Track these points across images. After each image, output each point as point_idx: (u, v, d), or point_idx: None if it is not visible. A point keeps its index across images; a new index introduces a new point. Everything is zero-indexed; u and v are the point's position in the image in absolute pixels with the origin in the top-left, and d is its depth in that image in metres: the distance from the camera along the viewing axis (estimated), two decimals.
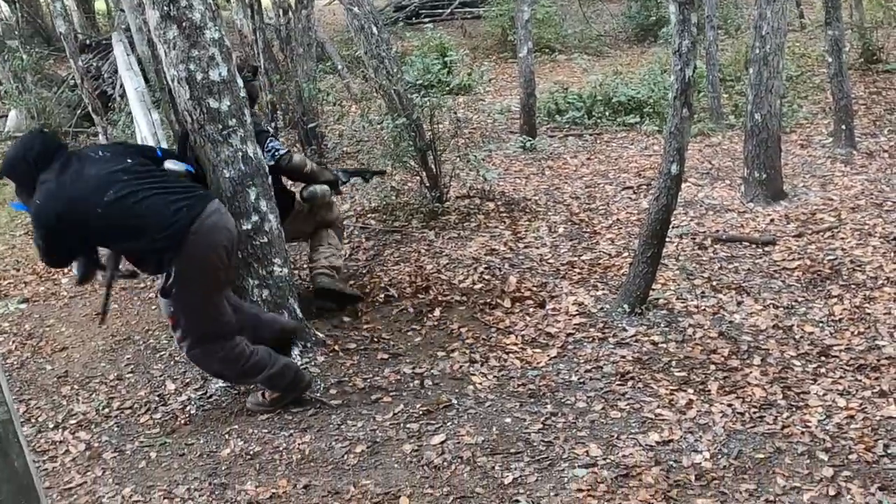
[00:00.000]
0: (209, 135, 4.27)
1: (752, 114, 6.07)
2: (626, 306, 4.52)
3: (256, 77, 5.04)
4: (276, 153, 4.70)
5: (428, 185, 6.36)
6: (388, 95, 6.27)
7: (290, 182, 5.10)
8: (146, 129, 4.56)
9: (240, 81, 4.36)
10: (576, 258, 5.37)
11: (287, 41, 8.50)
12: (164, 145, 4.50)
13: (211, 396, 4.11)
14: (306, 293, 4.98)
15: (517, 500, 3.12)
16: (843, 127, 7.17)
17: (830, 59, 7.11)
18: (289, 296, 4.43)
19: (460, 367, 4.16)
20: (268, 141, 4.68)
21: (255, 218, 4.32)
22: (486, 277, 5.16)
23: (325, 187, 4.97)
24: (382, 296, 5.05)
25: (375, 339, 4.53)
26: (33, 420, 4.08)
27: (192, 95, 4.24)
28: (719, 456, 3.30)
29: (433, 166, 6.30)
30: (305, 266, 5.63)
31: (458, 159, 6.47)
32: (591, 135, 8.52)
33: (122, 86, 7.62)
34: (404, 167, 6.36)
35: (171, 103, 4.68)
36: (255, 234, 4.33)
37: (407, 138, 6.15)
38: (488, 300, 4.84)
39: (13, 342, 4.93)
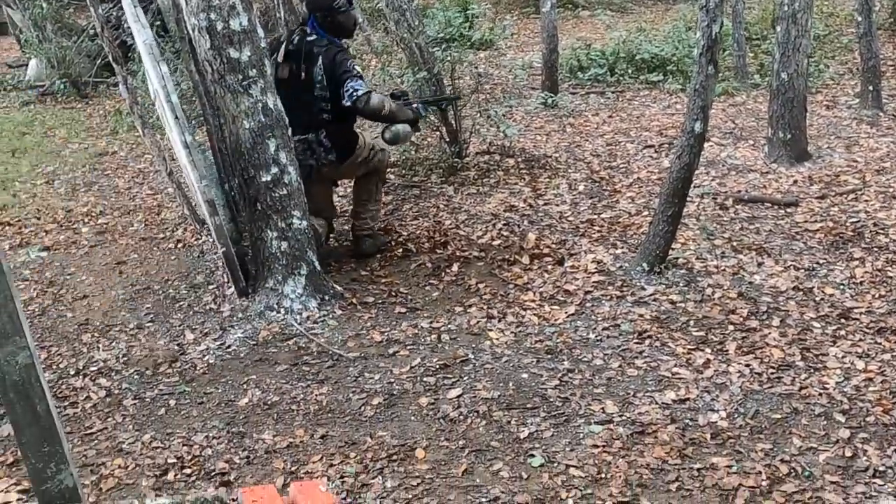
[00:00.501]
0: (229, 85, 4.25)
1: (778, 73, 5.97)
2: (645, 265, 4.50)
3: (352, 5, 4.85)
4: (354, 94, 4.53)
5: (448, 140, 6.32)
6: (409, 49, 6.21)
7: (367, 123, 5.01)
8: (156, 81, 4.54)
9: (260, 32, 4.32)
10: (595, 216, 5.34)
11: None
12: (175, 98, 4.47)
13: (229, 347, 4.14)
14: (327, 247, 4.99)
15: (532, 455, 3.13)
16: (871, 88, 7.06)
17: (860, 19, 6.98)
18: (307, 248, 4.44)
19: (478, 322, 4.16)
20: (347, 81, 4.54)
21: (274, 170, 4.31)
22: (505, 234, 5.14)
23: (407, 127, 4.88)
24: (401, 250, 5.05)
25: (393, 294, 4.54)
26: (54, 367, 4.13)
27: (212, 45, 4.22)
28: (735, 415, 3.30)
29: (453, 121, 6.26)
30: (339, 216, 5.62)
31: (478, 115, 6.42)
32: (613, 92, 8.43)
33: None
34: (424, 122, 6.31)
35: (190, 53, 4.65)
36: (275, 185, 4.32)
37: (427, 92, 6.10)
38: (507, 256, 4.83)
39: (34, 289, 4.97)
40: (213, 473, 3.19)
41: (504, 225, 5.26)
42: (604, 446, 3.16)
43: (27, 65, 11.05)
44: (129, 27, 9.90)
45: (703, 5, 4.15)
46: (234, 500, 2.64)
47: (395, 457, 3.19)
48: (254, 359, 4.02)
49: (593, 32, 11.10)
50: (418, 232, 5.28)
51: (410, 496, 2.98)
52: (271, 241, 4.39)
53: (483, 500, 2.95)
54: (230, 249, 4.34)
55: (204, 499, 2.50)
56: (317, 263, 4.48)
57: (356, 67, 4.64)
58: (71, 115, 9.30)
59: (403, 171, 6.38)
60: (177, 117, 4.25)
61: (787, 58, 5.91)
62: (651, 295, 4.29)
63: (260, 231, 4.41)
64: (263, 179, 4.31)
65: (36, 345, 4.26)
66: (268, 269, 4.42)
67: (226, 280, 4.66)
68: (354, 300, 4.47)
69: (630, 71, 8.86)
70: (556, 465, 3.08)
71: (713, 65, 4.22)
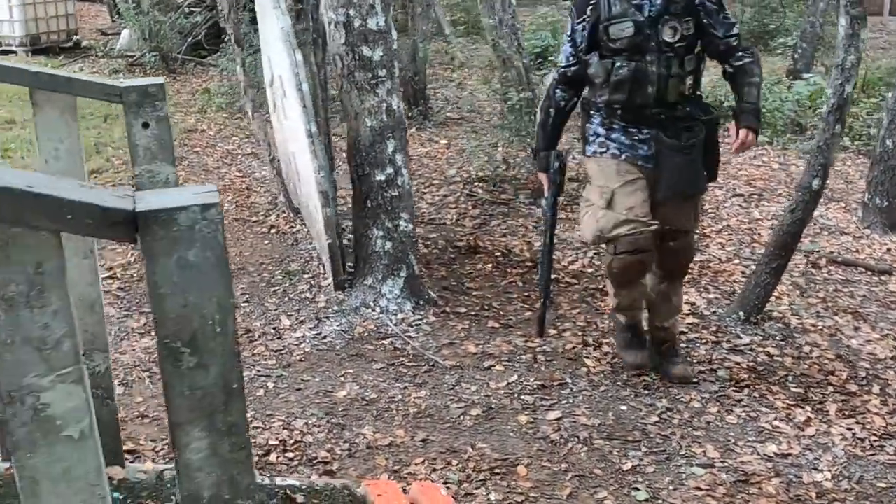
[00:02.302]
0: (357, 82, 4.31)
1: (883, 139, 5.92)
2: (741, 313, 4.47)
3: None
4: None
5: None
6: (516, 69, 6.24)
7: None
8: (289, 69, 4.60)
9: (394, 33, 4.38)
10: None
11: None
12: (306, 87, 4.54)
13: (325, 337, 4.18)
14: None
15: (637, 488, 3.12)
16: None
17: None
18: (410, 251, 4.48)
19: (573, 347, 4.16)
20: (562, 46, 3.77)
21: (389, 170, 4.36)
22: (597, 263, 5.14)
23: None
24: (490, 265, 5.07)
25: (485, 307, 4.55)
26: (150, 335, 4.19)
27: (346, 41, 4.28)
28: (840, 478, 3.26)
29: None
30: (427, 223, 5.66)
31: (575, 139, 6.43)
32: None
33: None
34: (520, 141, 6.34)
35: (320, 45, 4.72)
36: (388, 186, 4.37)
37: (529, 113, 6.13)
38: (599, 286, 4.82)
39: (124, 259, 5.04)
40: (315, 461, 3.22)
41: (595, 254, 5.26)
42: (708, 490, 3.14)
43: (120, 34, 11.26)
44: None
45: (839, 64, 4.15)
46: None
47: (497, 470, 3.19)
48: (350, 353, 4.05)
49: None
50: (508, 249, 5.29)
51: None
52: (376, 240, 4.43)
53: None
54: (336, 241, 4.39)
55: (333, 486, 2.53)
56: (416, 267, 4.52)
57: (574, 25, 3.65)
58: None
59: (491, 188, 6.40)
60: (304, 106, 4.31)
61: (895, 125, 5.86)
62: (747, 345, 4.27)
63: (366, 228, 4.45)
64: (377, 178, 4.36)
65: (136, 311, 4.33)
66: (368, 267, 4.46)
67: (322, 271, 4.71)
68: (447, 309, 4.50)
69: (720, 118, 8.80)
70: (660, 502, 3.07)
71: (840, 124, 4.21)
